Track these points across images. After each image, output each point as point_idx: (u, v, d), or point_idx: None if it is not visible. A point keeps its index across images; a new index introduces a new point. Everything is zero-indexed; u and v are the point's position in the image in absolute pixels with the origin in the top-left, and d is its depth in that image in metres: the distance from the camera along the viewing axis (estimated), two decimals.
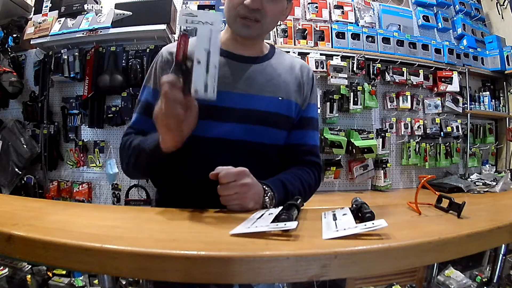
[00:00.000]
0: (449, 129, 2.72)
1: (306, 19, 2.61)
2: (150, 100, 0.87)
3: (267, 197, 0.76)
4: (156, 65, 0.90)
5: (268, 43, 0.99)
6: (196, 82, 0.65)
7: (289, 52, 2.39)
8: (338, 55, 2.47)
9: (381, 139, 2.55)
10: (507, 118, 3.04)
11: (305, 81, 0.95)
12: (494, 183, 2.12)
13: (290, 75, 0.93)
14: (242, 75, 0.89)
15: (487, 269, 1.76)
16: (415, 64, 2.68)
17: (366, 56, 2.54)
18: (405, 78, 2.64)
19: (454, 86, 2.72)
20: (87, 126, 2.49)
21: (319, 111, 2.43)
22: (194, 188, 0.83)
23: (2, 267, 1.87)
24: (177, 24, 0.63)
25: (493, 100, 3.01)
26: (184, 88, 0.66)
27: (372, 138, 2.52)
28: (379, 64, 2.59)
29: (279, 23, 2.52)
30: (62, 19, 2.42)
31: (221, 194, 0.72)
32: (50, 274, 2.03)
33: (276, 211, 0.62)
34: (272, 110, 0.88)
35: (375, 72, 2.58)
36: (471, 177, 2.52)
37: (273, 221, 0.56)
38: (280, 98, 0.89)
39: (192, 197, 0.81)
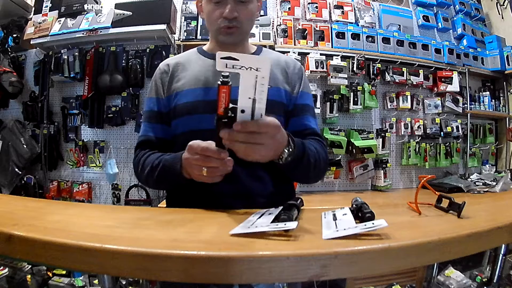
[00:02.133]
0: (449, 129, 2.72)
1: (306, 19, 2.61)
2: (154, 108, 0.97)
3: (286, 150, 0.74)
4: (156, 77, 1.00)
5: (255, 45, 1.06)
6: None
7: (289, 52, 2.40)
8: (338, 55, 2.47)
9: (381, 139, 2.55)
10: (507, 118, 3.04)
11: (291, 71, 1.00)
12: (494, 183, 2.12)
13: (276, 67, 0.99)
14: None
15: (487, 269, 1.77)
16: (415, 64, 2.68)
17: (366, 56, 2.54)
18: (405, 78, 2.64)
19: (454, 86, 2.71)
20: (87, 126, 2.49)
21: (318, 111, 2.44)
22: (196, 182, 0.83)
23: (2, 267, 1.87)
24: (216, 67, 0.60)
25: (493, 100, 3.01)
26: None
27: (372, 138, 2.52)
28: (379, 64, 2.59)
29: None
30: (62, 19, 2.42)
31: (264, 142, 0.66)
32: (50, 274, 2.03)
33: (276, 211, 0.62)
34: None
35: (375, 72, 2.58)
36: (471, 177, 2.52)
37: (273, 221, 0.56)
38: (268, 86, 0.92)
39: (198, 189, 0.83)
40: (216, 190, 0.82)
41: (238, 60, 0.56)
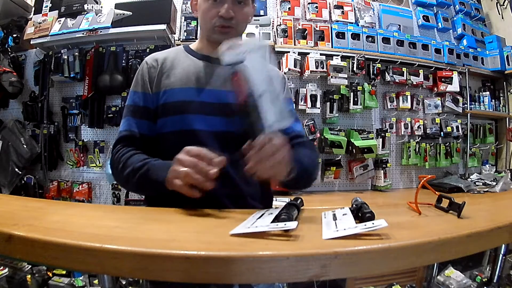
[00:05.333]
0: (449, 129, 2.72)
1: (306, 19, 2.61)
2: (139, 103, 0.93)
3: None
4: (143, 71, 0.96)
5: None
6: (266, 117, 0.62)
7: (289, 52, 2.40)
8: (338, 55, 2.47)
9: (381, 139, 2.55)
10: (507, 118, 3.04)
11: (279, 80, 1.02)
12: (494, 183, 2.12)
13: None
14: (221, 74, 0.94)
15: (487, 269, 1.77)
16: (415, 64, 2.68)
17: (366, 56, 2.54)
18: (405, 78, 2.64)
19: (454, 86, 2.72)
20: (87, 126, 2.49)
21: (318, 111, 2.44)
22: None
23: (2, 267, 1.87)
24: (224, 60, 0.66)
25: (493, 100, 3.01)
26: (255, 126, 0.64)
27: (372, 138, 2.52)
28: (379, 64, 2.59)
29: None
30: (62, 19, 2.42)
31: (279, 158, 0.70)
32: (50, 274, 2.03)
33: (276, 211, 0.62)
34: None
35: (375, 72, 2.58)
36: (471, 177, 2.52)
37: (273, 221, 0.56)
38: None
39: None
40: (211, 190, 0.80)
41: (241, 45, 0.59)
